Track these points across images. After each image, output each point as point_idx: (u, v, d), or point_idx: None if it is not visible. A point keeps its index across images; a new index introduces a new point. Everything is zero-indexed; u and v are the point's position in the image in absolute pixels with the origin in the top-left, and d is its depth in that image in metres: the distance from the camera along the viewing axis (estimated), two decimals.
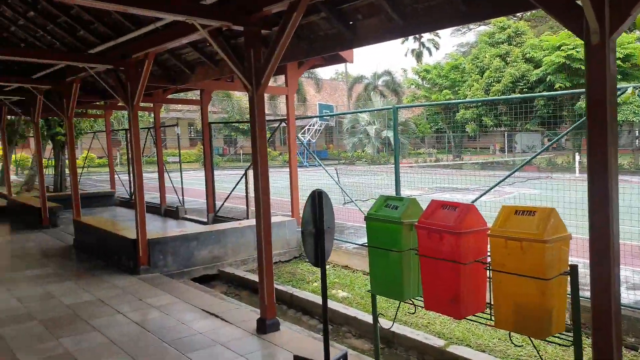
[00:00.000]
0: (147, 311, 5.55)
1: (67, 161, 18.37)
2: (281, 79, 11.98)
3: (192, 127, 46.16)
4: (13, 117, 19.03)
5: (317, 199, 3.96)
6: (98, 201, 15.37)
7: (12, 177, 24.41)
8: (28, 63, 9.43)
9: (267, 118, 5.51)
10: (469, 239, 3.41)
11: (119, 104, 13.63)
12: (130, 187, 15.57)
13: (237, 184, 10.92)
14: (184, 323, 5.15)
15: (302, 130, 37.90)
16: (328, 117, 37.69)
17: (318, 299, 6.29)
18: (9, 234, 10.92)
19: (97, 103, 13.47)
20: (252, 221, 8.80)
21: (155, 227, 11.39)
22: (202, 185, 14.44)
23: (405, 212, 3.73)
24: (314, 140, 38.44)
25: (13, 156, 24.65)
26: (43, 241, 9.79)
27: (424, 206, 3.73)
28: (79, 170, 18.24)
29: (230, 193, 11.17)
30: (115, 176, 16.21)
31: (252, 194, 10.74)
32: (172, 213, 13.17)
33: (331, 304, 5.86)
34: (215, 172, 12.07)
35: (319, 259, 3.97)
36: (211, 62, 7.44)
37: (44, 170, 22.93)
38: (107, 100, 11.18)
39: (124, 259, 7.52)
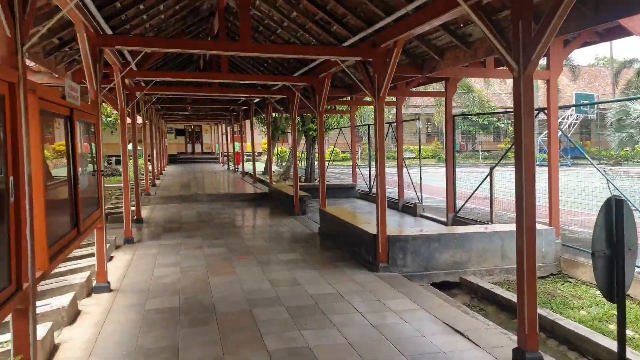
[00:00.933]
0: (384, 314, 5.22)
1: (316, 154, 20.11)
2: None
3: (429, 123, 45.93)
4: (275, 114, 21.76)
5: (615, 209, 2.92)
6: (340, 192, 16.26)
7: (273, 167, 28.18)
8: (288, 61, 10.30)
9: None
10: None
11: (365, 99, 14.04)
12: (370, 181, 16.02)
13: (481, 183, 9.95)
14: (423, 335, 4.62)
15: None
16: (587, 109, 32.52)
17: (590, 333, 5.00)
18: (269, 217, 12.27)
19: (343, 99, 14.14)
20: (500, 227, 7.78)
21: (394, 222, 11.27)
22: (438, 182, 13.80)
23: None
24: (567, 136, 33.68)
25: (275, 149, 28.42)
26: (293, 227, 10.63)
27: None
28: (325, 164, 19.75)
29: (473, 193, 10.25)
30: (357, 170, 16.93)
31: (498, 195, 9.65)
32: (409, 209, 12.93)
33: (612, 344, 4.55)
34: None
35: (616, 291, 2.92)
36: (463, 45, 6.72)
37: (298, 162, 25.78)
38: (353, 94, 11.48)
39: (363, 253, 7.46)
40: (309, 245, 8.74)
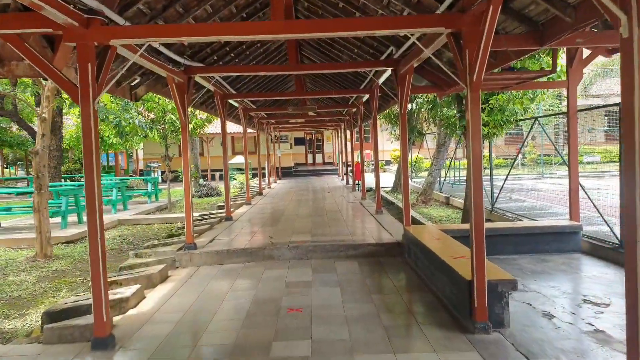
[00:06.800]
0: None
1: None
2: None
3: (606, 117, 34.50)
4: (411, 106, 14.50)
5: None
6: (542, 241, 8.20)
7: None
8: None
9: None
10: None
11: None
12: (621, 219, 7.72)
13: None
14: None
15: None
16: None
17: None
18: (404, 341, 4.89)
19: None
20: None
21: None
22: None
23: None
24: None
25: (409, 157, 20.92)
26: None
27: None
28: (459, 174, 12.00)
29: None
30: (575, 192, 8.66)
31: None
32: None
33: None
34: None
35: None
36: None
37: (443, 175, 17.74)
38: None
39: None
40: None
